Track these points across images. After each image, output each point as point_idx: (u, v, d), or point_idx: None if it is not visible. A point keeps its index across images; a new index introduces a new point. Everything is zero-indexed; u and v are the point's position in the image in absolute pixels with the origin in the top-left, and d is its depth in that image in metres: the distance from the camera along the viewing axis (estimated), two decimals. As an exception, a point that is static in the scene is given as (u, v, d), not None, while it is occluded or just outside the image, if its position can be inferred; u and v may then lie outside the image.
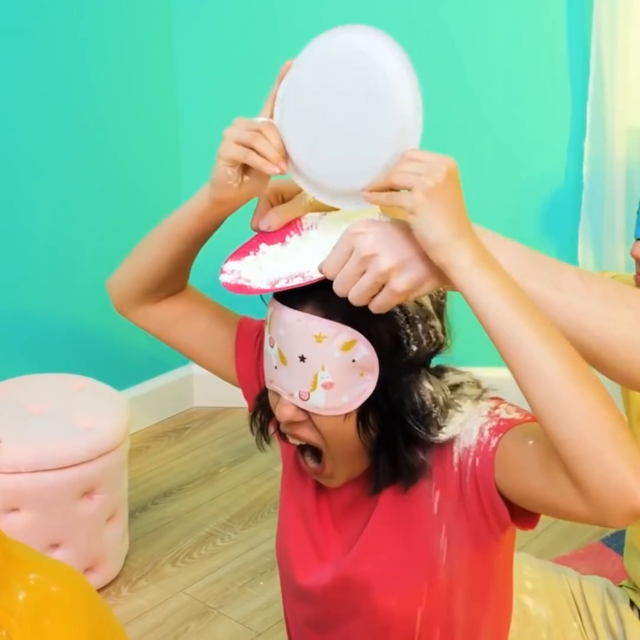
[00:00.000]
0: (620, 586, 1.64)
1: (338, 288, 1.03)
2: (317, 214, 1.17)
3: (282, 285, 1.09)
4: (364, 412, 1.13)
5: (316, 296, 1.09)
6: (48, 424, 2.06)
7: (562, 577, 1.66)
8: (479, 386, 1.20)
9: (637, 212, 1.39)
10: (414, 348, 1.12)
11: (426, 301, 1.13)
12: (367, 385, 1.11)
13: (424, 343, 1.12)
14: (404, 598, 1.20)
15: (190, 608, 2.10)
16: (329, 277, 1.03)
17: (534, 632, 1.58)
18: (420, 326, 1.12)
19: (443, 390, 1.15)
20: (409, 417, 1.12)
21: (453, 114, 2.69)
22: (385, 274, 1.00)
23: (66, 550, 2.05)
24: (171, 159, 2.82)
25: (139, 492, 2.49)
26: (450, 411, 1.15)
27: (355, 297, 1.02)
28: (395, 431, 1.13)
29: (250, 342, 1.32)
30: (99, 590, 2.12)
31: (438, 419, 1.13)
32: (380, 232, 1.02)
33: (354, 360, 1.09)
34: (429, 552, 1.18)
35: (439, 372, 1.19)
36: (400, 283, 1.00)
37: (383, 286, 1.01)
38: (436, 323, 1.14)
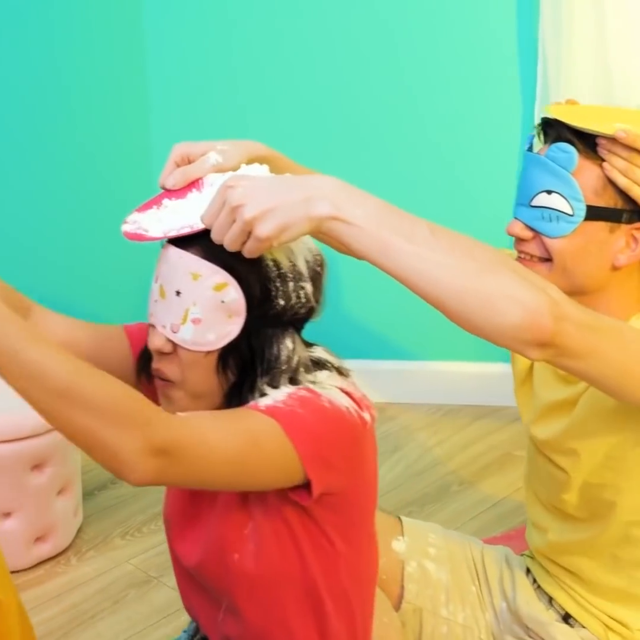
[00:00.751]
0: (522, 555, 1.73)
1: (214, 236, 1.17)
2: (219, 174, 1.30)
3: (173, 234, 1.23)
4: (225, 353, 1.23)
5: (202, 240, 1.21)
6: None
7: (466, 545, 1.76)
8: (340, 373, 1.30)
9: (517, 193, 1.49)
10: (282, 302, 1.23)
11: (301, 264, 1.25)
12: (232, 328, 1.22)
13: (293, 301, 1.24)
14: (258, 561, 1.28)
15: (132, 577, 2.21)
16: (207, 226, 1.18)
17: (433, 594, 1.68)
18: (291, 284, 1.23)
19: (301, 357, 1.26)
20: (260, 366, 1.23)
21: (395, 120, 2.82)
22: (249, 223, 1.13)
23: (17, 519, 2.17)
24: (141, 155, 2.93)
25: (99, 472, 2.60)
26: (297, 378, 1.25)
27: (228, 243, 1.16)
28: (253, 378, 1.24)
29: (143, 340, 1.39)
30: (49, 559, 2.25)
31: (281, 378, 1.24)
32: (248, 185, 1.15)
33: (223, 301, 1.21)
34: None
35: (309, 344, 1.31)
36: (263, 230, 1.13)
37: (251, 233, 1.14)
38: (307, 286, 1.25)
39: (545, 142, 1.46)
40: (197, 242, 1.22)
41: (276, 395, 1.21)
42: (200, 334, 1.22)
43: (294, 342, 1.26)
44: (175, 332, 1.23)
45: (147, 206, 1.31)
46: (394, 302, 2.98)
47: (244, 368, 1.24)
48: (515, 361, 1.64)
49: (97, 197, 2.81)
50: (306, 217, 1.13)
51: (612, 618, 1.53)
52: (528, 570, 1.69)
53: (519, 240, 1.48)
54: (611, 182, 1.40)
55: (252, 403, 1.22)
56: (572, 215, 1.41)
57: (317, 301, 1.28)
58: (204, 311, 1.21)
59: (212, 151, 1.31)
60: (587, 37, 2.60)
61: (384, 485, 2.56)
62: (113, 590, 2.16)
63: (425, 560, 1.70)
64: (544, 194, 1.43)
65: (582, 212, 1.41)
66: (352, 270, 2.99)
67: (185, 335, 1.22)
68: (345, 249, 1.18)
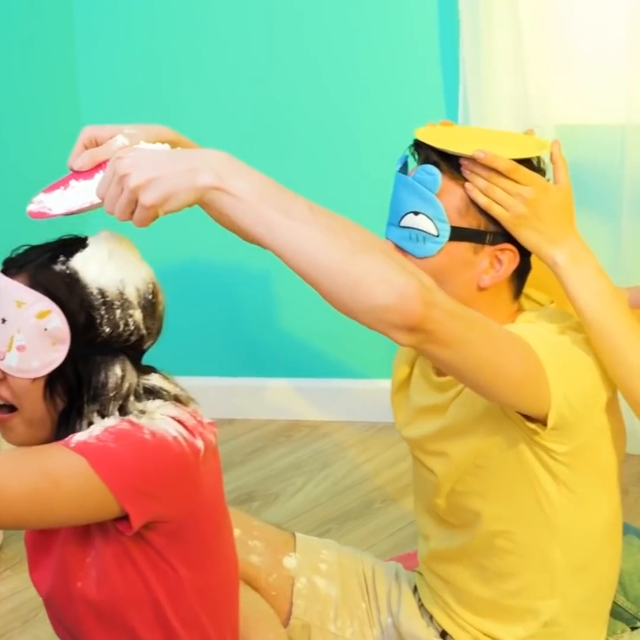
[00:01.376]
0: (413, 571, 1.76)
1: (106, 208, 1.21)
2: None
3: (74, 209, 1.28)
4: (52, 380, 1.25)
5: (29, 269, 1.25)
6: None
7: (358, 561, 1.78)
8: (177, 401, 1.31)
9: (389, 213, 1.52)
10: (108, 329, 1.25)
11: (131, 292, 1.27)
12: (57, 355, 1.24)
13: (120, 328, 1.26)
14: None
15: (45, 597, 2.22)
16: (100, 198, 1.22)
17: (321, 610, 1.70)
18: (117, 312, 1.25)
19: (132, 384, 1.28)
20: (87, 393, 1.25)
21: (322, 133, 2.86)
22: (134, 191, 1.17)
23: None
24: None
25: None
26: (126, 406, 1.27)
27: (118, 214, 1.19)
28: (79, 405, 1.26)
29: None
30: (-34, 579, 2.26)
31: (110, 405, 1.26)
32: (135, 155, 1.19)
33: (46, 329, 1.23)
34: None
35: (146, 370, 1.33)
36: (147, 198, 1.16)
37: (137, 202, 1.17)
38: (136, 314, 1.27)
39: (417, 163, 1.50)
40: (26, 269, 1.25)
41: (93, 430, 1.23)
42: (25, 361, 1.24)
43: (123, 370, 1.27)
44: (1, 359, 1.25)
45: (53, 187, 1.34)
46: (326, 319, 3.02)
47: (71, 395, 1.26)
48: (395, 370, 1.67)
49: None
50: (190, 186, 1.16)
51: (484, 634, 1.56)
52: (416, 588, 1.71)
53: None
54: (474, 203, 1.43)
55: (66, 439, 1.22)
56: (437, 236, 1.45)
57: (148, 329, 1.30)
58: (28, 338, 1.24)
59: (119, 134, 1.35)
60: (505, 59, 2.64)
61: (308, 502, 2.60)
62: (24, 609, 2.17)
63: (315, 576, 1.72)
64: (411, 215, 1.47)
65: (447, 233, 1.44)
66: (282, 289, 3.06)
67: (11, 362, 1.25)
68: (228, 223, 1.23)
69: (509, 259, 1.46)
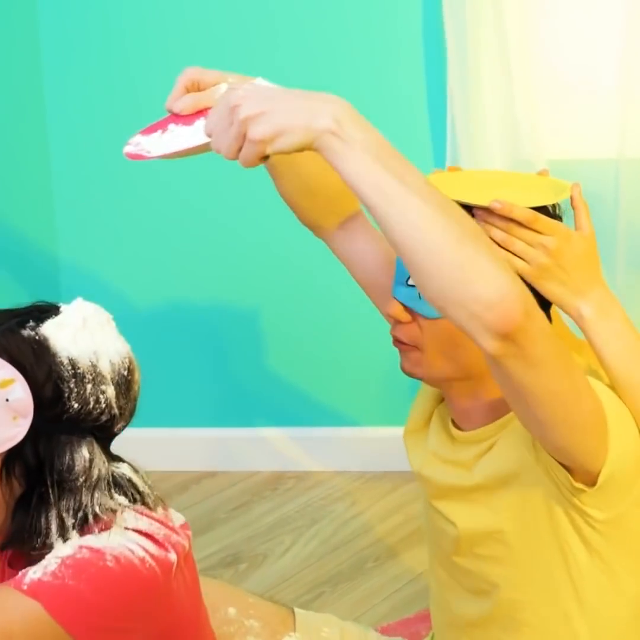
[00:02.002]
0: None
1: (214, 145, 1.09)
2: None
3: (170, 152, 1.21)
4: (9, 460, 1.12)
5: None
6: None
7: (362, 638, 1.65)
8: (144, 503, 1.18)
9: (395, 271, 1.40)
10: (76, 405, 1.12)
11: (104, 365, 1.14)
12: (18, 431, 1.10)
13: (90, 405, 1.13)
14: None
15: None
16: (207, 133, 1.10)
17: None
18: (88, 387, 1.12)
19: (101, 471, 1.14)
20: (50, 477, 1.12)
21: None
22: (244, 122, 1.05)
23: None
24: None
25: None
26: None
27: (224, 150, 1.08)
28: (42, 491, 1.12)
29: None
30: None
31: (80, 495, 1.12)
32: (250, 88, 1.09)
33: (7, 400, 1.10)
34: None
35: (114, 457, 1.20)
36: (256, 131, 1.04)
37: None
38: (109, 390, 1.14)
39: None
40: None
41: (48, 564, 1.08)
42: None
43: (91, 453, 1.14)
44: None
45: (151, 129, 1.28)
46: (318, 368, 2.92)
47: (29, 478, 1.12)
48: (413, 412, 1.56)
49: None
50: (305, 125, 1.04)
51: None
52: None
53: (395, 325, 1.39)
54: None
55: (18, 577, 1.08)
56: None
57: (121, 409, 1.16)
58: None
59: (223, 82, 1.28)
60: (494, 94, 2.55)
61: (297, 563, 2.47)
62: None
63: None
64: None
65: None
66: (264, 333, 2.94)
67: None
68: (323, 180, 1.23)
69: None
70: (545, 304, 1.34)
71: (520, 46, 2.51)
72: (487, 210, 1.29)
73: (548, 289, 1.31)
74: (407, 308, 1.35)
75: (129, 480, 1.17)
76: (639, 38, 2.44)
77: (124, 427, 1.18)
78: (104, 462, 1.15)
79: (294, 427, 2.94)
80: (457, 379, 1.37)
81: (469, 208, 1.31)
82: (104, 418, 1.14)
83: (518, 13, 2.50)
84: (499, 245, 1.30)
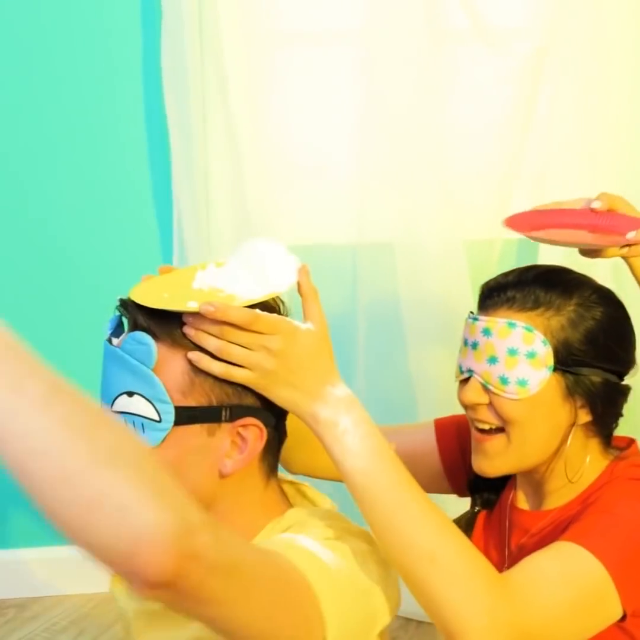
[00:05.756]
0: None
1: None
2: None
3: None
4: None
5: None
6: None
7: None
8: None
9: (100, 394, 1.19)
10: None
11: None
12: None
13: None
14: None
15: None
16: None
17: None
18: None
19: None
20: None
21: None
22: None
23: None
24: None
25: None
26: None
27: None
28: None
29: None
30: None
31: None
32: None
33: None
34: None
35: None
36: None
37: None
38: None
39: (127, 329, 1.19)
40: None
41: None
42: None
43: None
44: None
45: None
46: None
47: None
48: None
49: None
50: None
51: None
52: None
53: None
54: (202, 372, 1.14)
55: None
56: (159, 422, 1.12)
57: None
58: None
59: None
60: (223, 184, 2.45)
61: None
62: None
63: None
64: (125, 397, 1.14)
65: (171, 416, 1.12)
66: None
67: None
68: None
69: (255, 435, 1.17)
70: (278, 414, 1.18)
71: (249, 135, 2.42)
72: (197, 315, 1.13)
73: (278, 396, 1.14)
74: None
75: None
76: (371, 127, 2.40)
77: None
78: None
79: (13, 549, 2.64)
80: None
81: (178, 315, 1.15)
82: None
83: (244, 95, 2.40)
84: (216, 354, 1.13)
